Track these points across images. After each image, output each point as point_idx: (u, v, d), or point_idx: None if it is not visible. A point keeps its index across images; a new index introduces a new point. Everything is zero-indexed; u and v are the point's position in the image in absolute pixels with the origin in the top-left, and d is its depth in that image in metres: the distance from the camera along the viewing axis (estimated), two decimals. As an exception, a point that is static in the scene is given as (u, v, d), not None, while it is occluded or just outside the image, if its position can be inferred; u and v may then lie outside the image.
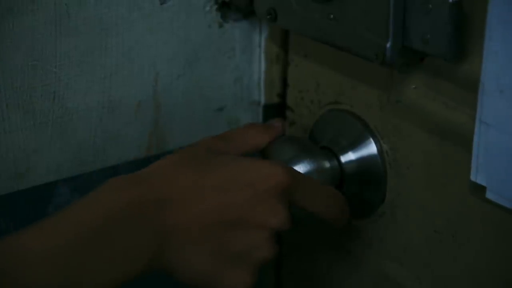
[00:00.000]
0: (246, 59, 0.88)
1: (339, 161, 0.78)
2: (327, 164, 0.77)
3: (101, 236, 0.63)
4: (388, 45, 0.68)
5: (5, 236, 0.62)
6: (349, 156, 0.79)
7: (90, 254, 0.63)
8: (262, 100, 0.90)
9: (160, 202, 0.66)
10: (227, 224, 0.67)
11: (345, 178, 0.79)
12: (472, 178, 0.66)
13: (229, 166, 0.69)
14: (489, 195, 0.66)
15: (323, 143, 0.80)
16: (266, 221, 0.68)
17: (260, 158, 0.74)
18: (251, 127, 0.77)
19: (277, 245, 0.69)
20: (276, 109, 0.89)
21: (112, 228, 0.64)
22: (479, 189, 0.67)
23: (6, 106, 0.76)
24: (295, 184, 0.69)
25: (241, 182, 0.68)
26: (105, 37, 0.79)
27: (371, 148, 0.78)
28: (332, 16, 0.72)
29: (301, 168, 0.76)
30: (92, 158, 0.82)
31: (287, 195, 0.69)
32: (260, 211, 0.68)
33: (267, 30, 0.87)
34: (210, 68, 0.86)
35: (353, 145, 0.79)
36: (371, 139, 0.78)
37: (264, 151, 0.77)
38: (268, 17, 0.78)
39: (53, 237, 0.62)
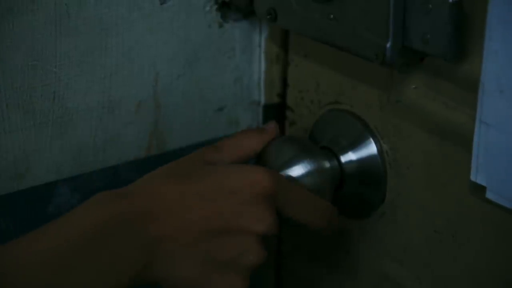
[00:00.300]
0: (246, 59, 0.88)
1: (339, 161, 0.78)
2: (327, 164, 0.77)
3: (86, 250, 0.64)
4: (388, 45, 0.68)
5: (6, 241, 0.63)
6: (349, 156, 0.79)
7: (75, 270, 0.63)
8: (262, 100, 0.90)
9: (146, 215, 0.66)
10: (213, 232, 0.67)
11: (345, 178, 0.79)
12: (472, 178, 0.66)
13: (214, 175, 0.69)
14: (489, 195, 0.66)
15: (323, 143, 0.80)
16: (252, 227, 0.68)
17: (247, 164, 0.74)
18: (244, 133, 0.77)
19: (265, 250, 0.69)
20: (276, 109, 0.89)
21: (98, 242, 0.64)
22: (479, 189, 0.66)
23: (6, 106, 0.76)
24: (280, 189, 0.70)
25: (226, 190, 0.68)
26: (105, 37, 0.79)
27: (371, 148, 0.78)
28: (332, 16, 0.72)
29: (301, 168, 0.76)
30: (92, 158, 0.82)
31: (273, 200, 0.69)
32: (246, 218, 0.68)
33: (267, 30, 0.87)
34: (210, 68, 0.86)
35: (353, 145, 0.79)
36: (371, 139, 0.78)
37: (264, 152, 0.78)
38: (268, 17, 0.78)
39: (46, 244, 0.63)
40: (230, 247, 0.68)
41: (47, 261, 0.63)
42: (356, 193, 0.79)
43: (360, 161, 0.78)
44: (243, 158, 0.75)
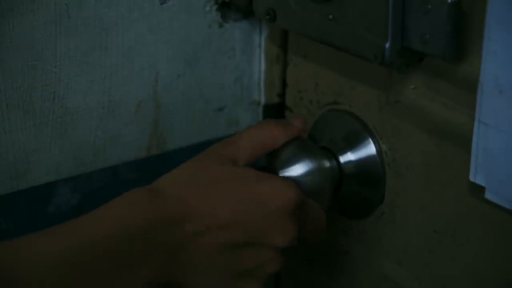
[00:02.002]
0: (246, 59, 0.88)
1: (338, 161, 0.79)
2: (327, 164, 0.77)
3: (113, 248, 0.63)
4: (387, 45, 0.68)
5: (13, 238, 0.62)
6: (348, 157, 0.79)
7: (98, 265, 0.63)
8: (262, 100, 0.90)
9: (176, 218, 0.66)
10: (239, 242, 0.67)
11: (344, 178, 0.79)
12: (471, 178, 0.66)
13: (245, 185, 0.69)
14: (488, 195, 0.66)
15: (322, 143, 0.80)
16: (276, 241, 0.68)
17: (272, 175, 0.72)
18: (266, 125, 0.74)
19: (284, 259, 0.70)
20: (276, 109, 0.89)
21: (126, 241, 0.64)
22: (478, 189, 0.67)
23: (6, 106, 0.76)
24: (302, 204, 0.70)
25: (256, 201, 0.68)
26: (105, 37, 0.79)
27: (370, 148, 0.78)
28: (331, 16, 0.72)
29: (301, 167, 0.76)
30: (92, 158, 0.82)
31: (297, 214, 0.69)
32: (272, 232, 0.68)
33: (267, 30, 0.87)
34: (210, 68, 0.86)
35: (352, 146, 0.79)
36: (370, 139, 0.78)
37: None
38: (267, 17, 0.78)
39: (66, 243, 0.62)
40: (253, 258, 0.68)
41: (74, 252, 0.62)
42: (355, 193, 0.79)
43: (359, 161, 0.78)
44: (261, 155, 0.73)
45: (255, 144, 0.73)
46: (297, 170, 0.76)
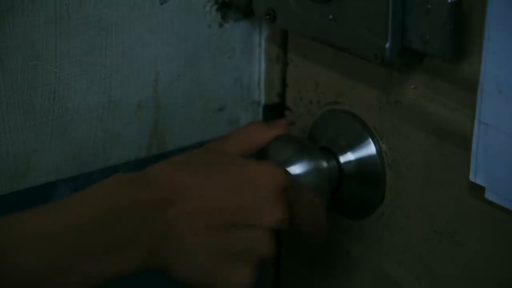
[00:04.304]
0: (246, 59, 0.88)
1: (338, 161, 0.79)
2: (325, 164, 0.77)
3: (102, 227, 0.64)
4: (387, 45, 0.68)
5: (6, 215, 0.62)
6: (348, 156, 0.79)
7: (88, 244, 0.63)
8: (262, 100, 0.90)
9: (165, 201, 0.66)
10: (228, 223, 0.67)
11: (344, 178, 0.79)
12: (471, 178, 0.67)
13: (232, 167, 0.69)
14: (488, 195, 0.66)
15: (322, 143, 0.80)
16: (267, 221, 0.68)
17: (261, 160, 0.74)
18: (253, 126, 0.78)
19: (275, 243, 0.69)
20: (276, 109, 0.89)
21: (112, 225, 0.64)
22: (478, 189, 0.67)
23: (6, 106, 0.76)
24: (292, 187, 0.70)
25: (244, 182, 0.68)
26: (105, 37, 0.79)
27: (370, 148, 0.78)
28: (331, 16, 0.72)
29: (298, 167, 0.76)
30: (92, 158, 0.82)
31: (286, 196, 0.69)
32: (263, 212, 0.68)
33: (267, 30, 0.87)
34: (210, 68, 0.86)
35: (352, 145, 0.79)
36: (370, 139, 0.78)
37: (262, 150, 0.78)
38: (267, 17, 0.78)
39: (57, 220, 0.63)
40: (244, 240, 0.68)
41: (56, 237, 0.62)
42: (355, 193, 0.79)
43: (359, 161, 0.78)
44: (248, 152, 0.75)
45: (242, 139, 0.75)
46: (294, 170, 0.76)
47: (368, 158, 0.78)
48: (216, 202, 0.67)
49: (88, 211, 0.64)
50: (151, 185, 0.66)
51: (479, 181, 0.66)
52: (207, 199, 0.67)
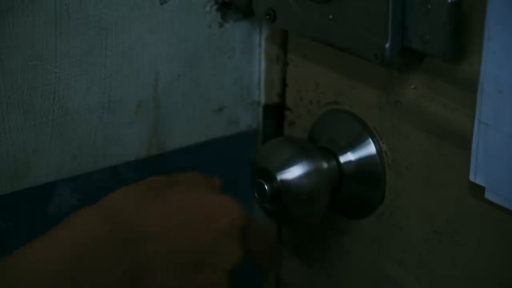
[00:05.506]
0: (246, 59, 0.88)
1: (338, 161, 0.79)
2: (325, 165, 0.77)
3: (70, 270, 0.64)
4: (387, 45, 0.68)
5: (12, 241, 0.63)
6: (348, 156, 0.79)
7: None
8: (262, 100, 0.90)
9: (134, 240, 0.66)
10: (189, 265, 0.68)
11: (344, 178, 0.79)
12: (471, 178, 0.67)
13: (192, 205, 0.70)
14: (488, 195, 0.66)
15: (322, 143, 0.80)
16: (225, 263, 0.69)
17: (215, 195, 0.73)
18: (199, 173, 0.76)
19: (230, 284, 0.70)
20: (276, 109, 0.89)
21: (81, 265, 0.64)
22: (478, 189, 0.67)
23: (6, 106, 0.76)
24: (247, 221, 0.71)
25: (203, 219, 0.69)
26: (105, 37, 0.79)
27: (370, 148, 0.78)
28: (331, 16, 0.72)
29: (299, 168, 0.76)
30: (92, 158, 0.82)
31: (242, 233, 0.70)
32: (221, 253, 0.69)
33: (267, 30, 0.87)
34: (210, 68, 0.86)
35: (352, 145, 0.79)
36: (370, 139, 0.78)
37: (261, 153, 0.78)
38: (267, 17, 0.78)
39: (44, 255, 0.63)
40: (201, 281, 0.69)
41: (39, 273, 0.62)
42: (355, 193, 0.79)
43: (359, 161, 0.78)
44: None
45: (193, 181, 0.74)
46: (294, 171, 0.76)
47: (368, 158, 0.78)
48: (178, 242, 0.68)
49: (60, 255, 0.64)
50: (118, 222, 0.66)
51: (479, 181, 0.66)
52: (171, 241, 0.67)
